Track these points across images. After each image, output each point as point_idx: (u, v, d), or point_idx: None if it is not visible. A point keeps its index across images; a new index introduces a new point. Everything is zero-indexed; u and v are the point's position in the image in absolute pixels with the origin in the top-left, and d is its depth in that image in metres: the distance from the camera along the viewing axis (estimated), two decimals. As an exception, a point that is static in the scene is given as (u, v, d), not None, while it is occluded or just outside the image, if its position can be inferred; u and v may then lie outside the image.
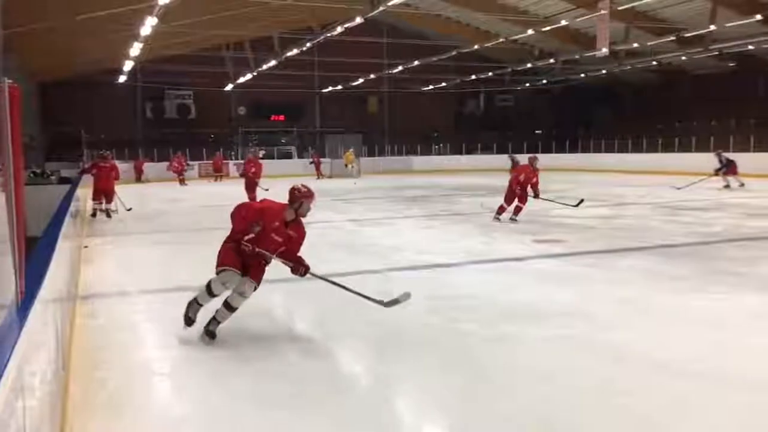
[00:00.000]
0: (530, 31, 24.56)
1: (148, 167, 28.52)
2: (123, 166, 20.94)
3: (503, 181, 12.03)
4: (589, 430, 3.16)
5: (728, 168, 18.52)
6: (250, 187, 14.84)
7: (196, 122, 33.65)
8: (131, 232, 11.20)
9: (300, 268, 4.59)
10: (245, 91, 33.28)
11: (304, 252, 4.70)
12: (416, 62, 29.47)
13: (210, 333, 4.49)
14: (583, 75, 32.37)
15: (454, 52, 28.79)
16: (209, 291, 4.53)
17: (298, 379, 3.85)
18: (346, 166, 29.24)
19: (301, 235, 4.68)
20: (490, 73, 32.93)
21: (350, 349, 4.49)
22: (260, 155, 19.38)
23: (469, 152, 35.71)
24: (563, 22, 23.35)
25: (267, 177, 15.90)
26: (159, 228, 11.75)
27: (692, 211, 12.64)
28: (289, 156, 34.21)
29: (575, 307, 5.41)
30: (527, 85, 36.07)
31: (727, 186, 18.12)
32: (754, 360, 4.03)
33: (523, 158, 14.65)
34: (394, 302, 4.55)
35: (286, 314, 5.54)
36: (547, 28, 24.72)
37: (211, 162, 29.62)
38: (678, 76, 32.98)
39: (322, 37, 23.06)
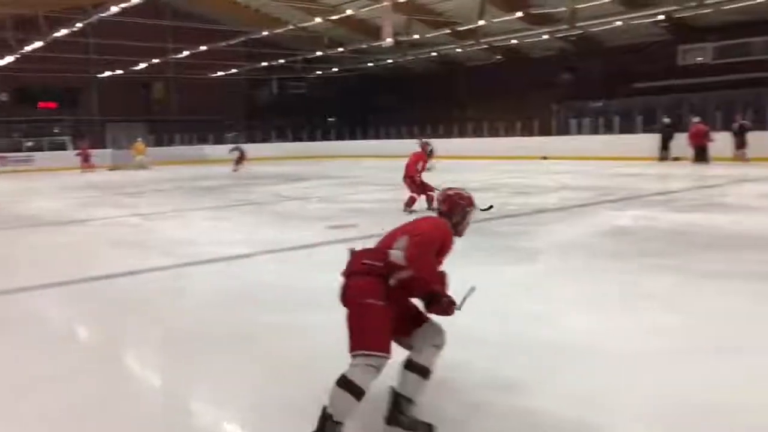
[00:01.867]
0: (318, 19, 24.88)
1: None
2: None
3: (298, 168, 12.01)
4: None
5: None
6: None
7: (-55, 110, 29.22)
8: None
9: (451, 307, 3.03)
10: (7, 76, 29.53)
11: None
12: (203, 47, 28.42)
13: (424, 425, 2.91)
14: (371, 64, 33.61)
15: (243, 38, 28.25)
16: (358, 392, 2.73)
17: (86, 392, 3.52)
18: (134, 157, 27.34)
19: None
20: (281, 61, 32.85)
21: (136, 354, 4.20)
22: None
23: (263, 140, 35.39)
24: (349, 12, 23.98)
25: (37, 170, 14.27)
26: None
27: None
28: (62, 147, 31.03)
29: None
30: (319, 73, 36.60)
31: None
32: (509, 324, 4.48)
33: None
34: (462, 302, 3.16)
35: (64, 320, 5.03)
36: (335, 17, 25.22)
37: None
38: (456, 66, 35.61)
39: (95, 17, 21.23)
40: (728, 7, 20.92)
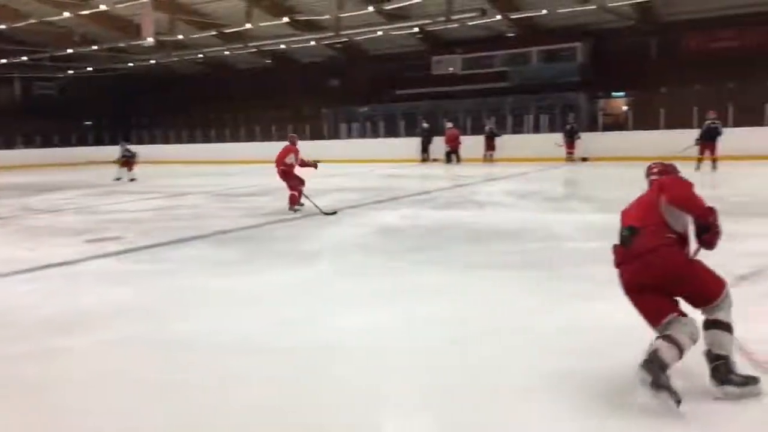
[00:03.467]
0: (66, 14, 22.66)
1: None
2: None
3: (50, 177, 10.74)
4: (155, 422, 3.02)
5: (131, 159, 19.65)
6: None
7: None
8: None
9: (718, 235, 3.30)
10: None
11: None
12: None
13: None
14: (131, 64, 31.45)
15: (-26, 31, 24.71)
16: (730, 328, 3.06)
17: None
18: None
19: None
20: (24, 58, 29.23)
21: None
22: None
23: (8, 146, 31.23)
24: (103, 7, 22.19)
25: None
26: None
27: (245, 198, 13.52)
28: None
29: (134, 304, 5.18)
30: (71, 72, 33.30)
31: (119, 179, 19.11)
32: (288, 328, 4.46)
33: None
34: None
35: None
36: (86, 12, 23.18)
37: None
38: (226, 69, 34.84)
39: None
40: (472, 23, 23.27)
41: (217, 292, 5.56)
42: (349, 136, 28.49)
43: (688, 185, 3.21)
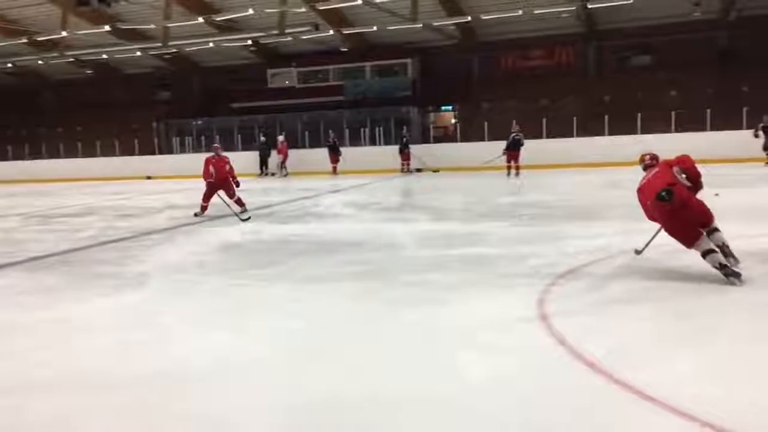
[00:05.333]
0: None
1: None
2: None
3: None
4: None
5: None
6: None
7: None
8: None
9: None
10: None
11: None
12: None
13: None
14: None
15: None
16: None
17: None
18: None
19: None
20: None
21: None
22: None
23: None
24: None
25: None
26: None
27: (64, 218, 12.45)
28: None
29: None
30: None
31: None
32: (127, 356, 4.16)
33: None
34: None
35: None
36: None
37: None
38: (40, 80, 32.02)
39: None
40: (306, 37, 23.42)
41: (40, 324, 5.03)
42: (182, 150, 27.35)
43: (692, 159, 5.40)
